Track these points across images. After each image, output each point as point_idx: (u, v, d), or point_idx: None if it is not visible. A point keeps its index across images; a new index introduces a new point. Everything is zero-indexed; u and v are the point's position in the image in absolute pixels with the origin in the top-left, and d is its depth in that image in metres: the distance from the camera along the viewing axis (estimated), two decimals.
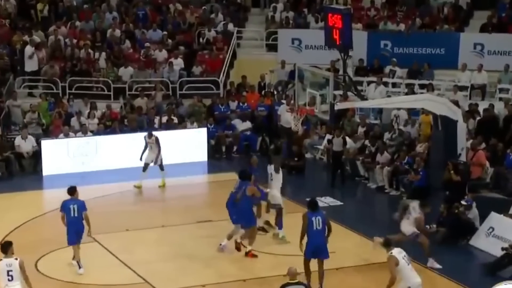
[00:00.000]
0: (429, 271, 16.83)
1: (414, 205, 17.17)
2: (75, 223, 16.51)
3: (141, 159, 22.54)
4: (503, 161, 21.48)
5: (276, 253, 17.58)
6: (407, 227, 17.03)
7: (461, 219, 18.62)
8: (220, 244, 17.65)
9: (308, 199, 16.13)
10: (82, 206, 16.58)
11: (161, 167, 22.60)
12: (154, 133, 22.96)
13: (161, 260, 17.36)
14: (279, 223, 18.56)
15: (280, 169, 18.76)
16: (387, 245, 14.35)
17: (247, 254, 17.32)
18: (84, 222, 16.52)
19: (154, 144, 22.51)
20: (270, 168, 18.62)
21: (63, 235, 17.29)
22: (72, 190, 16.75)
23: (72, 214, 16.49)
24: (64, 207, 16.61)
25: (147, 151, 22.62)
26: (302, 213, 15.84)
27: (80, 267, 16.70)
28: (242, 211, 17.33)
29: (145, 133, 22.94)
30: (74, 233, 16.57)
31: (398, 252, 13.96)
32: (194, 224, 19.61)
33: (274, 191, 18.49)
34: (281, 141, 25.30)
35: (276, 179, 18.57)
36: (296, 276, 13.69)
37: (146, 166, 22.51)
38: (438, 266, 16.93)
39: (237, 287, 16.17)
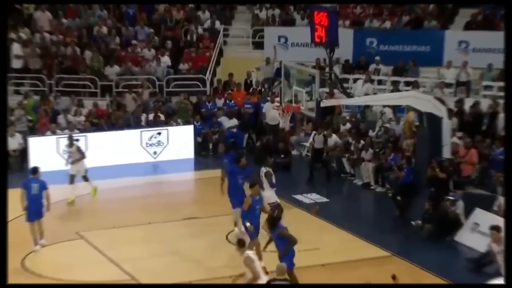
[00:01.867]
0: (415, 266, 16.90)
1: None
2: (35, 200, 17.08)
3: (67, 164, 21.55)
4: (489, 157, 21.41)
5: (267, 250, 17.41)
6: None
7: (448, 215, 18.66)
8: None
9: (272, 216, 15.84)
10: (43, 185, 17.14)
11: (85, 178, 21.13)
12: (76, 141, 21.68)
13: (148, 257, 17.34)
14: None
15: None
16: (242, 245, 14.26)
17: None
18: (44, 200, 17.10)
19: (75, 153, 21.10)
20: (262, 171, 18.32)
21: (50, 233, 17.51)
22: (35, 170, 17.40)
23: (33, 192, 17.03)
24: (26, 185, 17.14)
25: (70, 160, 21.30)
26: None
27: (36, 244, 17.16)
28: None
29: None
30: (34, 211, 17.10)
31: (252, 253, 14.10)
32: (180, 221, 19.65)
33: (268, 192, 18.06)
34: (268, 138, 25.41)
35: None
36: (284, 273, 13.50)
37: (72, 178, 21.04)
38: None
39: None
